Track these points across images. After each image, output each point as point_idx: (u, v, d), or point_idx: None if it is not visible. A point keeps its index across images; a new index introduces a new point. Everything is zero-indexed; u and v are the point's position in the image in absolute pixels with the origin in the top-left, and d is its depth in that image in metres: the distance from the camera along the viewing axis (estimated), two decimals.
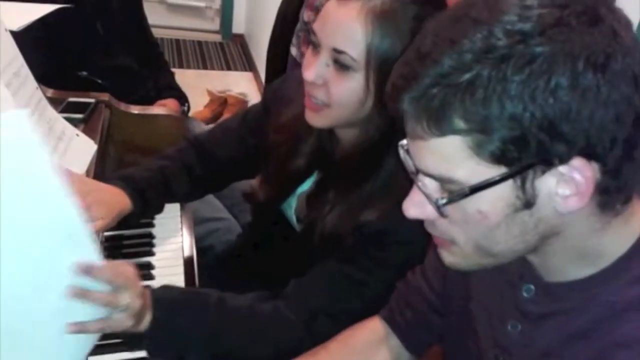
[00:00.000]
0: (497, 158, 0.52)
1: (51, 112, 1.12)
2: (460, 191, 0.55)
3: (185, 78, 3.82)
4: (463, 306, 0.78)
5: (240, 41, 4.70)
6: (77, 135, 1.15)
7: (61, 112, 1.25)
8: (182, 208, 1.34)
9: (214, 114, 3.47)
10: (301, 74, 0.93)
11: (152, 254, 1.18)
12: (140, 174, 1.10)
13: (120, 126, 1.38)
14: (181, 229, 1.27)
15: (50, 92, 1.33)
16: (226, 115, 3.45)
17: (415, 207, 0.60)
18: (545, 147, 0.50)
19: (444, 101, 0.51)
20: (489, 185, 0.53)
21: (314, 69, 0.90)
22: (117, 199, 1.02)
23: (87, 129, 1.24)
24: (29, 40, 1.18)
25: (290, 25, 2.67)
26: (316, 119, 0.95)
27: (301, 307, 0.97)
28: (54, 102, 1.26)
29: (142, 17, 1.97)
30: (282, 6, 2.85)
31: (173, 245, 1.22)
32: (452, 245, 0.61)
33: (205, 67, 4.28)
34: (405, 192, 0.62)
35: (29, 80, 1.07)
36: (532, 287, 0.67)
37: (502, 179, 0.53)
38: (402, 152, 0.61)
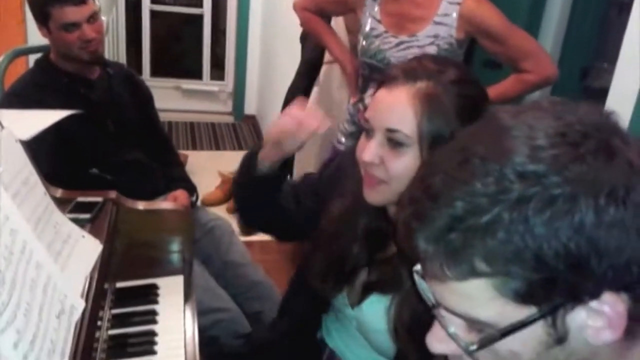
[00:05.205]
0: (525, 299, 0.51)
1: (58, 215, 1.16)
2: (490, 336, 0.53)
3: (199, 159, 3.92)
4: None
5: (252, 122, 4.84)
6: (83, 237, 1.19)
7: (69, 212, 1.30)
8: (185, 301, 1.36)
9: (225, 195, 3.53)
10: (351, 166, 1.06)
11: (154, 352, 1.19)
12: None
13: (127, 222, 1.42)
14: (184, 324, 1.29)
15: (59, 192, 1.38)
16: None
17: (441, 343, 0.58)
18: (574, 285, 0.49)
19: (464, 244, 0.50)
20: (520, 328, 0.52)
21: (371, 150, 0.99)
22: None
23: (94, 228, 1.28)
24: (40, 140, 1.24)
25: None
26: (374, 195, 1.02)
27: None
28: (63, 202, 1.31)
29: (153, 113, 2.04)
30: (287, 94, 2.96)
31: (175, 343, 1.23)
32: None
33: (218, 148, 4.40)
34: None
35: (37, 187, 1.12)
36: None
37: (533, 319, 0.52)
38: (417, 278, 0.60)
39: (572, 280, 0.49)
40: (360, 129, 1.78)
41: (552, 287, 0.50)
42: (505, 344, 0.53)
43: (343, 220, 1.13)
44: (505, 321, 0.52)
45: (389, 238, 1.08)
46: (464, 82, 0.98)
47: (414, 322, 0.98)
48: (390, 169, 0.98)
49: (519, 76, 1.69)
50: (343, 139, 1.94)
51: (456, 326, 0.56)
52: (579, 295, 0.51)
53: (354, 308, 1.12)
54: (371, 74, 1.80)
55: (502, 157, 0.51)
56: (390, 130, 0.97)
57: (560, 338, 0.53)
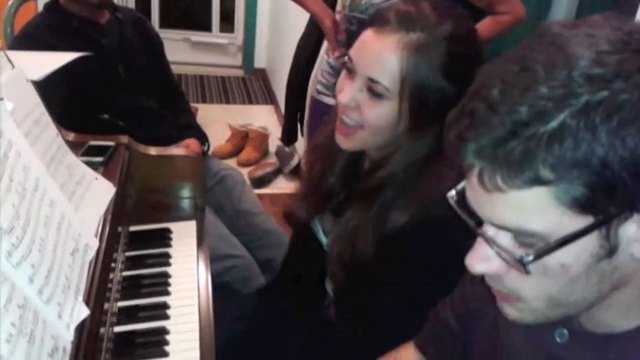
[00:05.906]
0: (584, 207, 0.50)
1: (71, 157, 1.15)
2: (545, 246, 0.52)
3: (209, 113, 3.90)
4: (491, 344, 0.76)
5: (262, 75, 4.79)
6: (96, 179, 1.19)
7: (82, 155, 1.29)
8: (198, 246, 1.37)
9: (236, 148, 3.53)
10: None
11: (168, 293, 1.20)
12: None
13: (140, 167, 1.42)
14: (197, 267, 1.30)
15: (71, 136, 1.37)
16: (247, 149, 3.51)
17: (483, 262, 0.58)
18: (633, 194, 0.49)
19: (527, 152, 0.49)
20: (576, 238, 0.51)
21: (349, 93, 0.97)
22: None
23: (107, 171, 1.27)
24: (51, 85, 1.23)
25: (307, 61, 2.73)
26: (345, 142, 1.02)
27: None
28: (75, 146, 1.31)
29: (163, 59, 2.02)
30: (300, 42, 2.92)
31: (189, 285, 1.24)
32: (518, 301, 0.59)
33: (227, 102, 4.38)
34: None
35: (49, 128, 1.11)
36: (566, 332, 0.65)
37: (589, 229, 0.51)
38: (452, 203, 0.59)
39: (633, 189, 0.49)
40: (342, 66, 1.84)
41: (612, 195, 0.49)
42: (557, 257, 0.53)
43: (325, 149, 1.14)
44: (560, 232, 0.51)
45: (363, 171, 1.10)
46: (457, 39, 0.93)
47: (348, 254, 1.02)
48: (365, 116, 0.97)
49: (495, 18, 1.85)
50: (319, 87, 1.94)
51: (504, 241, 0.55)
52: (636, 204, 0.50)
53: (326, 235, 1.15)
54: (360, 29, 1.75)
55: (568, 62, 0.50)
56: (371, 80, 0.94)
57: (611, 250, 0.52)
